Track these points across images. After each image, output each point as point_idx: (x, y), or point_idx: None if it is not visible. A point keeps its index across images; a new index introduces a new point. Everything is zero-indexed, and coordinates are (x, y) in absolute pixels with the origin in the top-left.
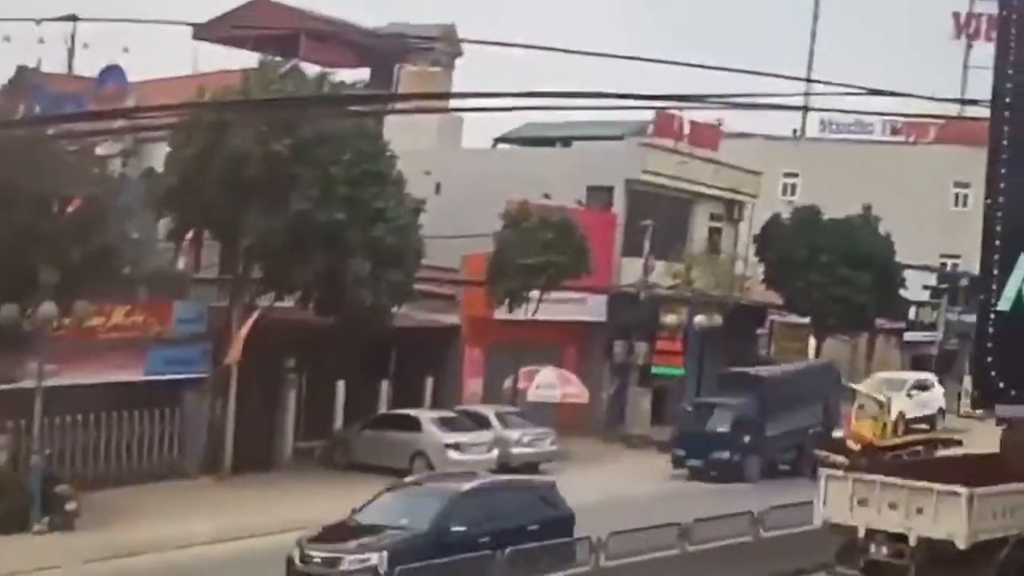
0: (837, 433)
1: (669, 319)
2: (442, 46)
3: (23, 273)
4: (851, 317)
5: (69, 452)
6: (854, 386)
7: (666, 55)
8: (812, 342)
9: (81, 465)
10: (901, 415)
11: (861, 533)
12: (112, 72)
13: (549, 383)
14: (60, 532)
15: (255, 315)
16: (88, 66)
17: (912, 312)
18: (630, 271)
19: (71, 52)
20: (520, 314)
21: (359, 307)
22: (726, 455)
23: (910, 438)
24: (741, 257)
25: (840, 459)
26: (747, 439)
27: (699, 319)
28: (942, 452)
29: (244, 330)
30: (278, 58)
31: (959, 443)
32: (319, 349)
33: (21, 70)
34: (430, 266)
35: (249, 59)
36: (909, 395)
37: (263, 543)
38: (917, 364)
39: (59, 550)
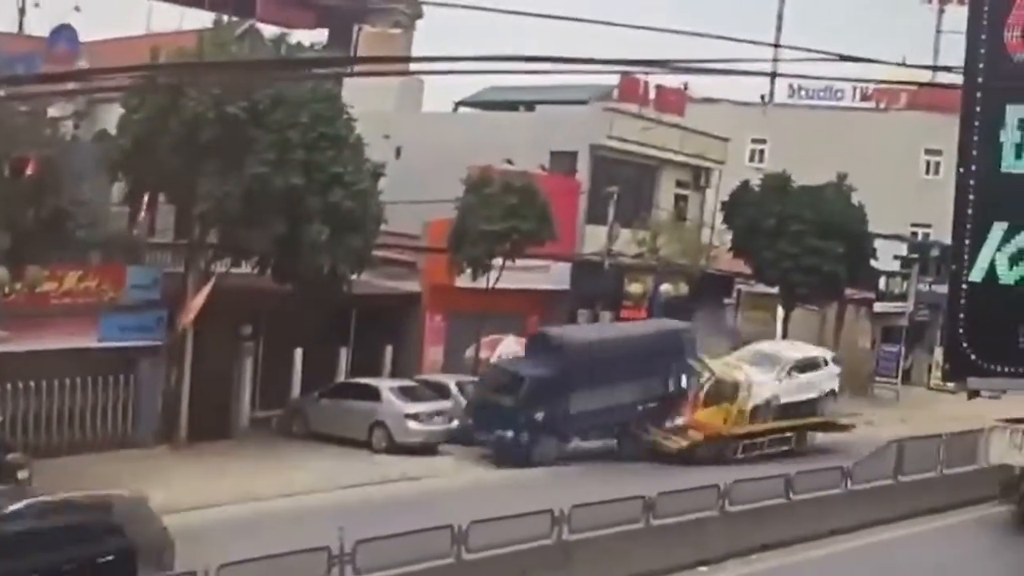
0: (679, 420)
1: (634, 288)
2: (403, 7)
3: None
4: (820, 287)
5: (21, 419)
6: (706, 361)
7: (632, 19)
8: (780, 312)
9: (33, 433)
10: (768, 402)
11: (1017, 472)
12: (64, 32)
13: (511, 352)
14: None
15: (211, 281)
16: (39, 26)
17: (882, 282)
18: (594, 239)
19: (22, 11)
20: (482, 282)
21: (317, 273)
22: (510, 434)
23: (771, 425)
24: (708, 225)
25: (674, 444)
26: (539, 416)
27: (665, 288)
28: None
29: (200, 296)
30: (234, 18)
31: (845, 428)
32: (276, 316)
33: None
34: (390, 232)
35: (204, 19)
36: (788, 375)
37: (215, 514)
38: (887, 335)
39: None
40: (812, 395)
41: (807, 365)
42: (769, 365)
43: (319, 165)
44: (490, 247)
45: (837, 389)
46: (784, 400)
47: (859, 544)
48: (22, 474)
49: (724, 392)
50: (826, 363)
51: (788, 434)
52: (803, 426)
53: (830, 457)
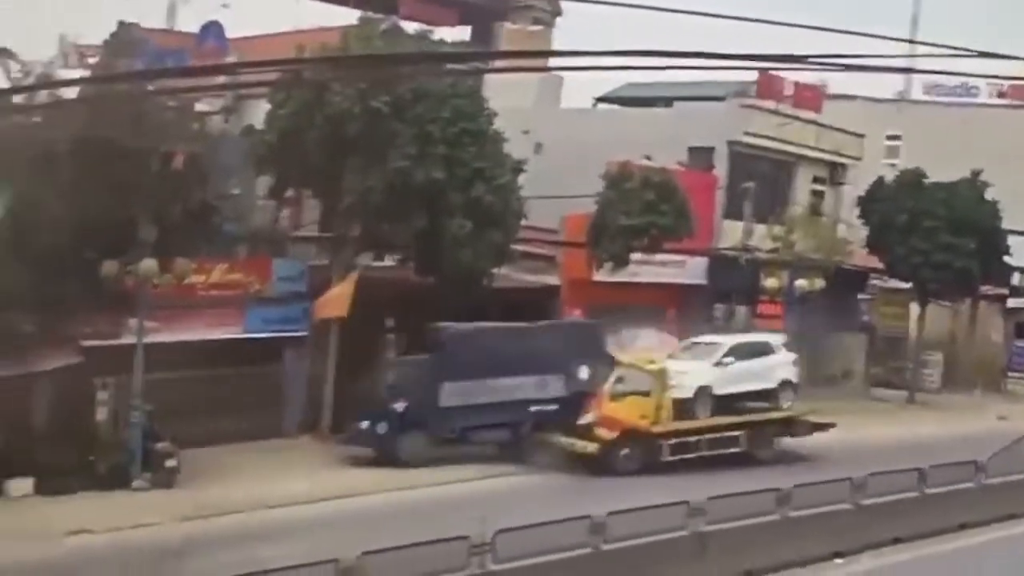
0: (586, 418)
1: (770, 282)
2: (543, 4)
3: (123, 230)
4: (953, 283)
5: (168, 409)
6: (620, 358)
7: (769, 15)
8: (914, 308)
9: (180, 423)
10: (699, 394)
11: None
12: (213, 28)
13: (649, 345)
14: (160, 489)
15: (356, 272)
16: (189, 22)
17: (1016, 278)
18: (731, 233)
19: (172, 8)
20: (620, 276)
21: (458, 267)
22: (365, 424)
23: (704, 423)
24: (843, 221)
25: (584, 447)
26: (399, 406)
27: (800, 283)
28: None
29: (348, 286)
30: (378, 15)
31: (823, 427)
32: (418, 309)
33: (122, 25)
34: (530, 227)
35: (350, 16)
36: (722, 363)
37: (357, 503)
38: (1020, 331)
39: (159, 507)
40: (761, 386)
41: (751, 351)
42: (703, 354)
43: (461, 160)
44: (628, 242)
45: (795, 379)
46: (720, 391)
47: (990, 538)
48: (170, 463)
49: (638, 384)
50: (775, 350)
51: (733, 433)
52: (753, 423)
53: (812, 467)
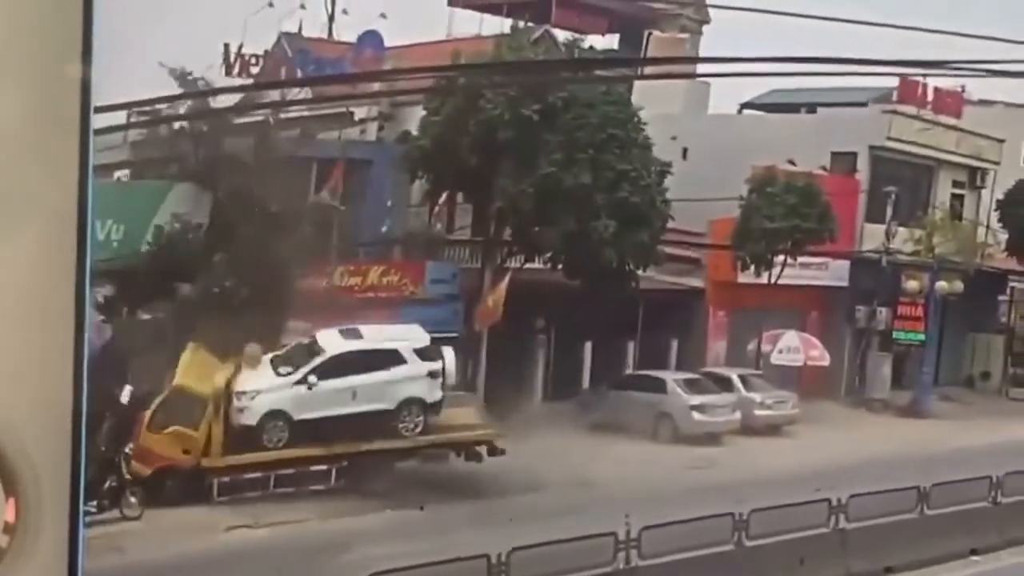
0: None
1: (911, 285)
2: (690, 12)
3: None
4: None
5: None
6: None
7: (910, 21)
8: None
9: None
10: (275, 417)
11: None
12: (370, 37)
13: (792, 346)
14: None
15: (507, 278)
16: (347, 31)
17: None
18: (872, 236)
19: (331, 18)
20: (764, 278)
21: (605, 268)
22: None
23: (281, 455)
24: (983, 224)
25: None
26: None
27: (940, 285)
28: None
29: (501, 293)
30: (530, 24)
31: (473, 454)
32: (567, 310)
33: (283, 36)
34: (676, 229)
35: (503, 25)
36: (306, 381)
37: (516, 502)
38: None
39: None
40: (371, 407)
41: (364, 364)
42: (294, 364)
43: (607, 163)
44: (772, 244)
45: (433, 396)
46: (302, 416)
47: None
48: None
49: (185, 410)
50: (409, 358)
51: (319, 467)
52: (352, 454)
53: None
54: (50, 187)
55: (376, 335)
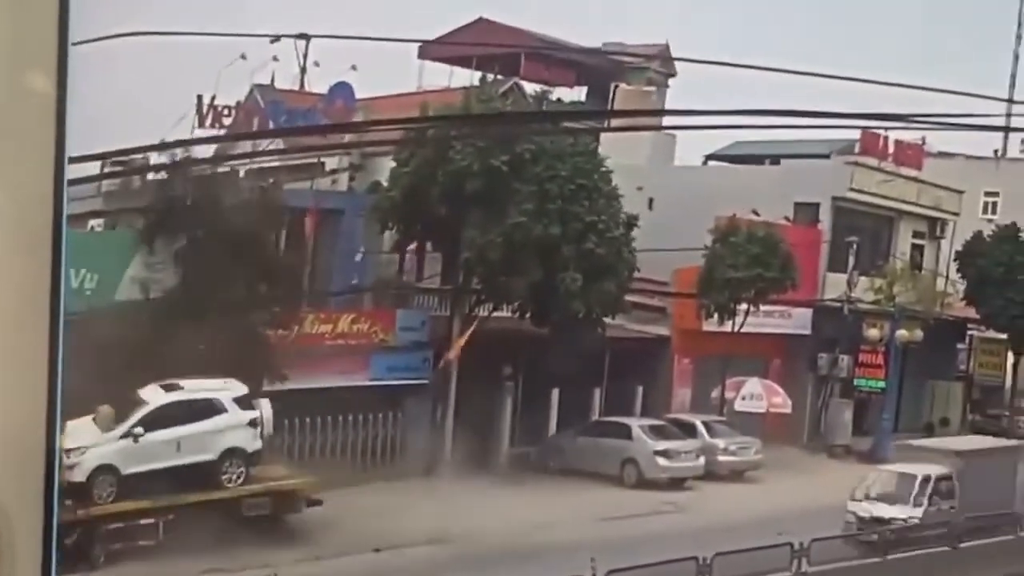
0: None
1: (871, 333)
2: (657, 65)
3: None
4: None
5: (297, 453)
6: None
7: (871, 75)
8: (1010, 357)
9: (309, 466)
10: (104, 472)
11: None
12: (341, 89)
13: (755, 393)
14: None
15: (473, 325)
16: (319, 83)
17: None
18: (834, 286)
19: (303, 69)
20: (728, 326)
21: (572, 318)
22: None
23: (108, 510)
24: (942, 273)
25: None
26: None
27: (901, 333)
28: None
29: (463, 338)
30: (499, 76)
31: (289, 505)
32: (534, 358)
33: (256, 87)
34: (642, 278)
35: (472, 77)
36: (132, 434)
37: (485, 541)
38: None
39: None
40: (194, 459)
41: (187, 414)
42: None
43: (575, 215)
44: (735, 293)
45: (252, 445)
46: (130, 470)
47: None
48: None
49: None
50: (228, 407)
51: (147, 520)
52: (178, 506)
53: None
54: (23, 236)
55: (195, 386)
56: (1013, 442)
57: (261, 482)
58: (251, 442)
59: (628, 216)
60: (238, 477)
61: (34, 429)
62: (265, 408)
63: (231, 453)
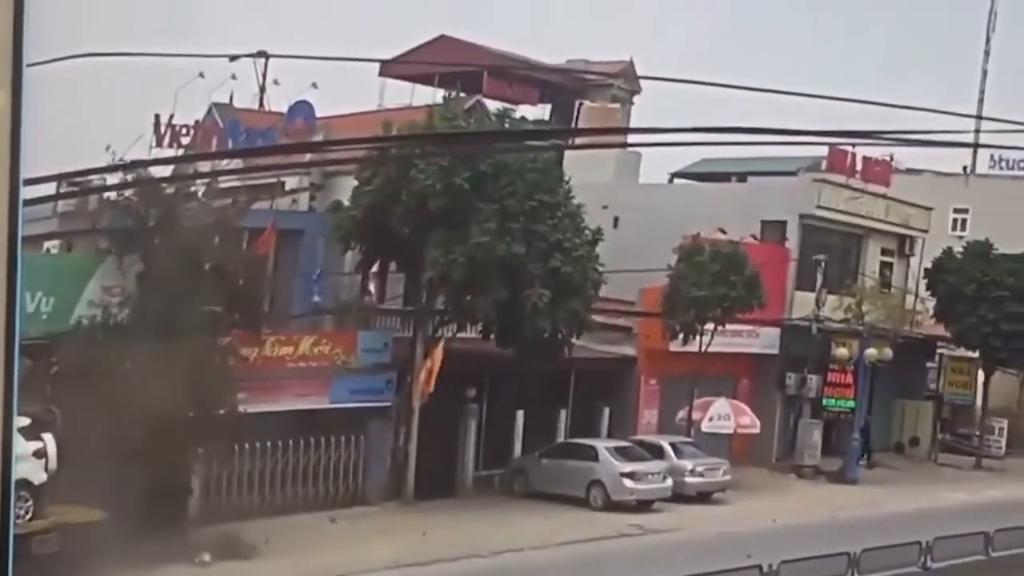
0: None
1: (840, 352)
2: (621, 83)
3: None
4: (1020, 351)
5: (257, 477)
6: None
7: (838, 91)
8: (980, 375)
9: (269, 491)
10: None
11: None
12: (301, 107)
13: (723, 414)
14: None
15: (440, 345)
16: (278, 101)
17: None
18: (803, 304)
19: (262, 88)
20: (695, 346)
21: (538, 337)
22: None
23: None
24: (911, 291)
25: None
26: None
27: (869, 352)
28: None
29: (435, 363)
30: (462, 94)
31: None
32: (499, 379)
33: (214, 106)
34: (608, 298)
35: (434, 95)
36: None
37: (445, 568)
38: None
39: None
40: None
41: None
42: None
43: (540, 233)
44: (701, 313)
45: (38, 478)
46: None
47: None
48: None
49: None
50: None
51: None
52: None
53: None
54: None
55: None
56: None
57: (48, 519)
58: (36, 474)
59: (593, 232)
60: (26, 512)
61: None
62: (49, 440)
63: (18, 486)
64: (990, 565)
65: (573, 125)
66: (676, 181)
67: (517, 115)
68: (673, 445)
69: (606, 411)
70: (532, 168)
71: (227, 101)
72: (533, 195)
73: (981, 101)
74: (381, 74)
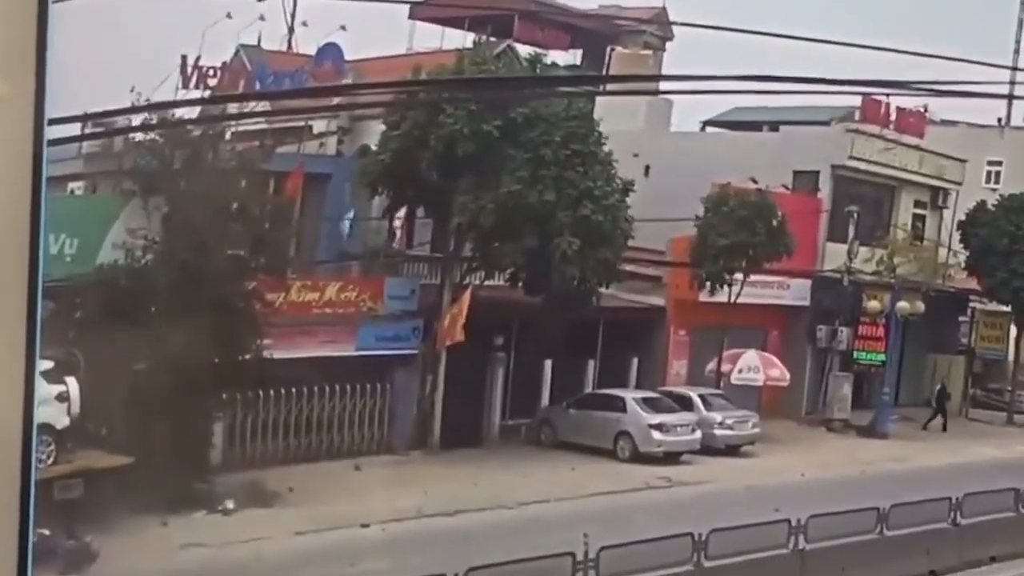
0: None
1: (871, 305)
2: (653, 29)
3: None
4: None
5: (282, 424)
6: None
7: (874, 40)
8: (1012, 330)
9: (293, 437)
10: None
11: None
12: (330, 50)
13: (752, 366)
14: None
15: (466, 295)
16: (307, 43)
17: None
18: (834, 256)
19: (291, 29)
20: (724, 297)
21: (567, 285)
22: None
23: None
24: (944, 244)
25: None
26: None
27: (901, 305)
28: None
29: (462, 310)
30: (492, 39)
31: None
32: (527, 328)
33: (241, 48)
34: (637, 248)
35: (464, 39)
36: None
37: (469, 518)
38: None
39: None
40: None
41: None
42: None
43: (570, 181)
44: (728, 262)
45: (60, 421)
46: None
47: None
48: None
49: None
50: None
51: None
52: None
53: None
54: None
55: None
56: None
57: (72, 463)
58: (59, 418)
59: (624, 182)
60: (48, 456)
61: (9, 413)
62: (72, 383)
63: (40, 430)
64: (1021, 522)
65: (604, 71)
66: (708, 129)
67: (548, 60)
68: (702, 397)
69: (635, 361)
70: (567, 117)
71: (255, 43)
72: (568, 144)
73: (1017, 52)
74: (411, 17)
